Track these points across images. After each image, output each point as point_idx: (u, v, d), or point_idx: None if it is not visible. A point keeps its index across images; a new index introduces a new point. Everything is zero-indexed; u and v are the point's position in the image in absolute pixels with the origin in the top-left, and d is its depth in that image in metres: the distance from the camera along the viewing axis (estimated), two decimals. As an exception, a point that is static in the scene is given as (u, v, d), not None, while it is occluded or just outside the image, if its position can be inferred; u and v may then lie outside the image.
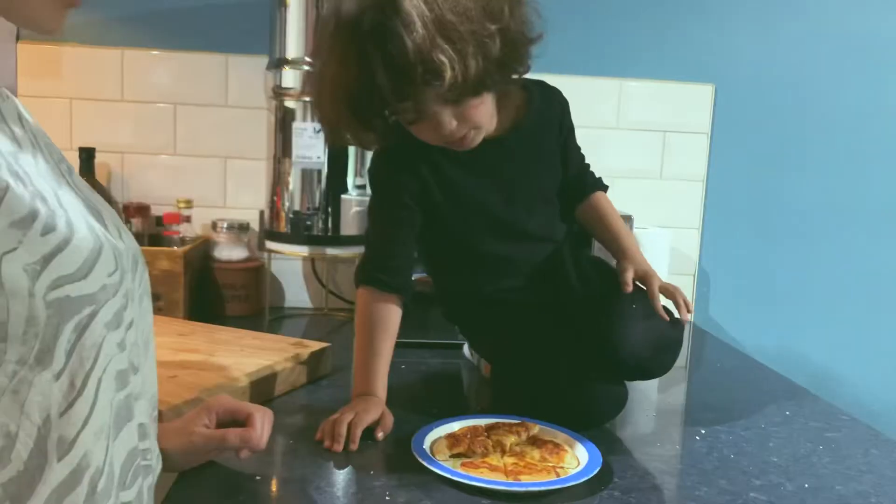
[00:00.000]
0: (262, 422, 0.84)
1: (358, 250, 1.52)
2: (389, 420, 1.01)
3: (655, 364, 1.07)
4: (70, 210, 0.52)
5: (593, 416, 1.07)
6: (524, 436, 0.98)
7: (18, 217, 0.47)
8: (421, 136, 1.02)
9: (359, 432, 0.95)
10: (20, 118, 0.58)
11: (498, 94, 1.04)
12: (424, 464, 0.88)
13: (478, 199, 1.10)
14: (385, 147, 1.09)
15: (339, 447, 0.94)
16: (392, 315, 1.07)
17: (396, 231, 1.10)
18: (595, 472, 0.88)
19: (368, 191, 1.50)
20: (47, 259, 0.47)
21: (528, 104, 1.13)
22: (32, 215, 0.47)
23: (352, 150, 1.48)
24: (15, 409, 0.47)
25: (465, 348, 1.38)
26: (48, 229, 0.48)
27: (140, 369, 0.60)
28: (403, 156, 1.08)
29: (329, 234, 1.48)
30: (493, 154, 1.09)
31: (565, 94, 1.19)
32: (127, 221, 1.57)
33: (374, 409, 0.99)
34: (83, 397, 0.50)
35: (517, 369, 1.13)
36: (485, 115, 1.01)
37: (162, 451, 0.72)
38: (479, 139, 1.04)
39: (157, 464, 0.65)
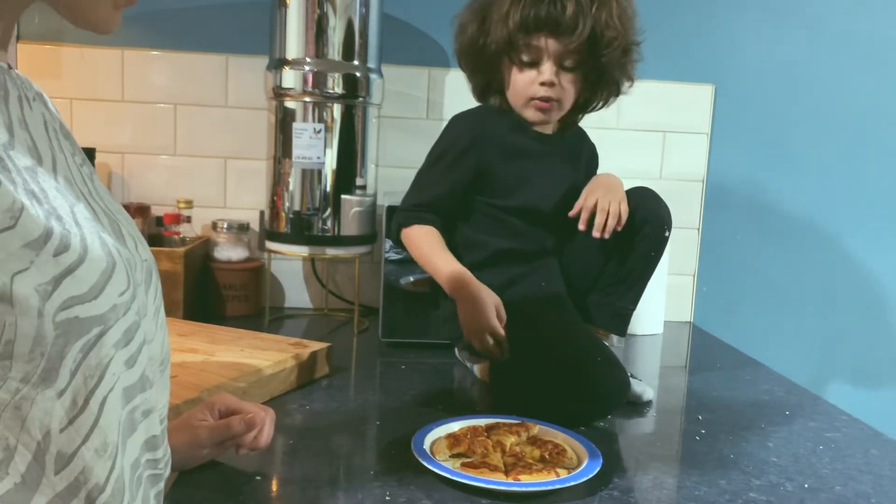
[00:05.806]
0: (265, 418, 0.85)
1: (357, 250, 1.52)
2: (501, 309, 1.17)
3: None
4: (85, 227, 0.51)
5: (598, 401, 1.10)
6: (524, 436, 0.98)
7: (32, 238, 0.46)
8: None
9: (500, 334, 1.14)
10: (45, 124, 0.57)
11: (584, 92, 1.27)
12: (424, 464, 0.88)
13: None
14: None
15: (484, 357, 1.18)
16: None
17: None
18: (595, 472, 0.88)
19: (369, 190, 1.51)
20: (58, 280, 0.47)
21: (576, 123, 1.37)
22: (46, 235, 0.47)
23: (352, 150, 1.48)
24: (16, 424, 0.48)
25: (457, 351, 1.38)
26: (61, 249, 0.48)
27: (154, 384, 0.60)
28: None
29: (329, 234, 1.48)
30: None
31: None
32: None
33: (490, 307, 1.15)
34: (85, 414, 0.50)
35: (522, 352, 1.16)
36: (570, 95, 1.25)
37: None
38: (553, 118, 1.28)
39: (166, 470, 0.65)
